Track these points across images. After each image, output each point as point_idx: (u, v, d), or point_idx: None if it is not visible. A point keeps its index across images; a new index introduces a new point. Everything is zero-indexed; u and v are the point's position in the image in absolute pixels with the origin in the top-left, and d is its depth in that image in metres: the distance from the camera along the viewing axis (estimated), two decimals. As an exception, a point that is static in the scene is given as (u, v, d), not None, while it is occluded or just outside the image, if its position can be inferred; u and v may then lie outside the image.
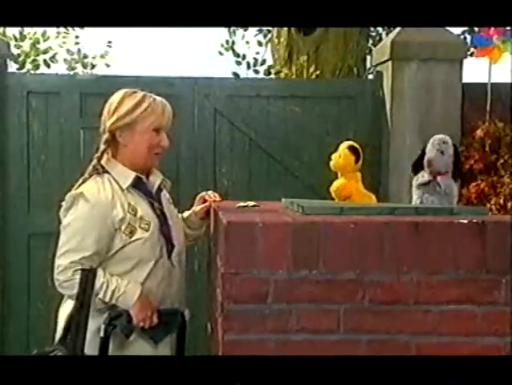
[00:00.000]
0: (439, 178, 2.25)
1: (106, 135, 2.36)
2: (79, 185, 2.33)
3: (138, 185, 2.37)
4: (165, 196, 2.52)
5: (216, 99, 4.42)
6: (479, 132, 4.28)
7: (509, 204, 4.14)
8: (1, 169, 4.32)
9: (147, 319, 2.29)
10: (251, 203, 2.38)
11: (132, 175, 2.35)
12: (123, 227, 2.28)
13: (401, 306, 1.78)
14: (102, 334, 2.23)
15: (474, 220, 1.81)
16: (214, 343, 2.07)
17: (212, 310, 2.28)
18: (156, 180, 2.46)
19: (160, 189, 2.47)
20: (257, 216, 1.86)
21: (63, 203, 2.33)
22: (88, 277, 2.19)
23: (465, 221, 1.81)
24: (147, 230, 2.32)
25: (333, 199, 2.35)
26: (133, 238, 2.29)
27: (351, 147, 2.31)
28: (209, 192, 2.66)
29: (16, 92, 4.33)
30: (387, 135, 4.36)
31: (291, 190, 4.15)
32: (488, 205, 4.10)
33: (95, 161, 2.37)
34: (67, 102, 4.33)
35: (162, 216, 2.39)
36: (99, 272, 2.25)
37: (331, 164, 2.33)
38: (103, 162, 2.37)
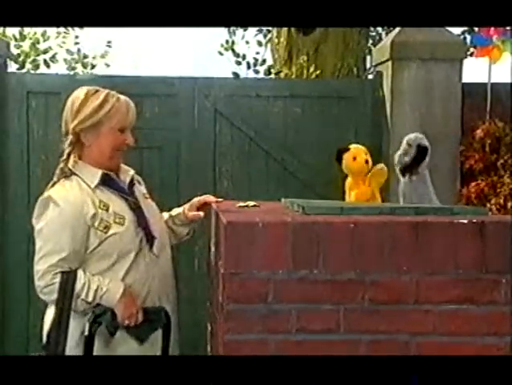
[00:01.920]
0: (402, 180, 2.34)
1: (70, 137, 2.34)
2: (48, 190, 2.33)
3: (107, 182, 2.35)
4: (140, 191, 2.50)
5: (216, 99, 4.42)
6: (479, 132, 4.28)
7: (509, 204, 4.14)
8: (1, 169, 4.32)
9: (132, 317, 2.28)
10: (251, 203, 2.39)
11: (99, 172, 2.33)
12: (96, 223, 2.27)
13: (401, 306, 1.78)
14: (86, 332, 2.22)
15: (474, 220, 1.81)
16: (214, 343, 2.07)
17: (212, 310, 2.28)
18: (126, 176, 2.44)
19: (132, 184, 2.45)
20: (257, 216, 1.86)
21: (35, 209, 2.32)
22: (68, 280, 2.19)
23: (465, 221, 1.81)
24: (122, 224, 2.30)
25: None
26: (109, 233, 2.28)
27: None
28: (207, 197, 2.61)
29: (16, 92, 4.33)
30: (387, 135, 4.36)
31: (291, 190, 4.15)
32: (488, 205, 4.10)
33: (62, 164, 2.35)
34: (67, 102, 4.32)
35: (138, 210, 2.37)
36: (79, 273, 2.24)
37: (369, 166, 2.34)
38: (70, 165, 2.35)
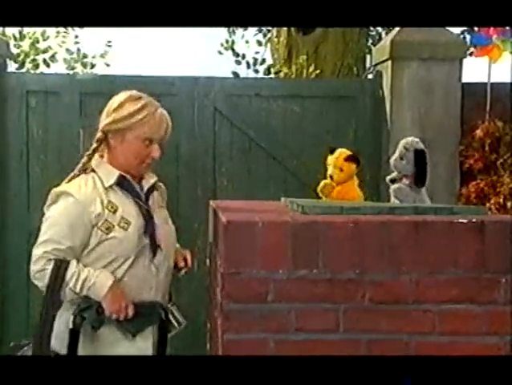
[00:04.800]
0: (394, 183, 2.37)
1: (99, 134, 2.36)
2: (66, 183, 2.35)
3: (123, 184, 2.34)
4: (157, 200, 2.47)
5: (216, 99, 4.42)
6: (479, 132, 4.29)
7: (508, 204, 4.15)
8: (1, 169, 4.32)
9: (121, 311, 2.24)
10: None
11: (116, 173, 2.33)
12: (99, 223, 2.26)
13: (401, 306, 1.78)
14: (71, 325, 2.21)
15: (474, 220, 1.81)
16: (214, 343, 2.07)
17: (212, 309, 2.28)
18: (148, 182, 2.43)
19: (151, 192, 2.43)
20: (256, 216, 1.86)
21: (48, 198, 2.34)
22: (60, 268, 2.20)
23: (465, 221, 1.82)
24: (125, 229, 2.29)
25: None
26: (110, 236, 2.27)
27: (349, 158, 2.34)
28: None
29: (15, 92, 4.33)
30: (386, 135, 4.36)
31: (291, 190, 4.15)
32: (487, 205, 4.10)
33: (85, 159, 2.37)
34: (67, 101, 4.33)
35: (149, 217, 2.35)
36: (73, 262, 2.24)
37: (335, 179, 2.34)
38: (93, 161, 2.36)
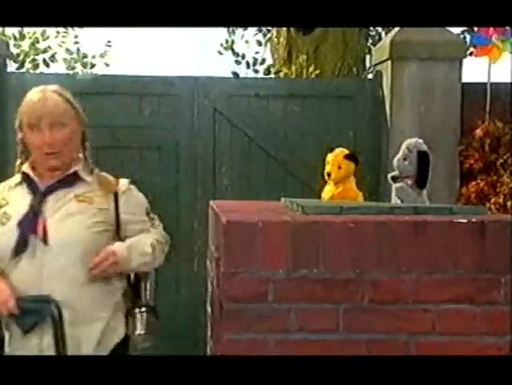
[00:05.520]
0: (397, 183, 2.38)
1: (18, 136, 2.39)
2: None
3: (26, 181, 2.33)
4: (77, 191, 2.29)
5: (215, 99, 4.42)
6: (478, 132, 4.29)
7: (508, 204, 4.15)
8: (0, 168, 4.32)
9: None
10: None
11: (21, 172, 2.35)
12: None
13: (401, 306, 1.78)
14: None
15: (474, 220, 1.82)
16: (214, 343, 2.07)
17: (212, 309, 2.28)
18: (58, 175, 2.31)
19: (64, 184, 2.29)
20: (256, 216, 1.86)
21: None
22: None
23: (465, 221, 1.82)
24: (4, 224, 2.23)
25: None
26: None
27: (348, 156, 2.34)
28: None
29: (15, 92, 4.32)
30: (386, 135, 4.36)
31: (291, 190, 4.15)
32: (487, 205, 4.11)
33: (17, 162, 2.40)
34: (67, 101, 4.32)
35: (31, 209, 2.22)
36: None
37: (332, 177, 2.34)
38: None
